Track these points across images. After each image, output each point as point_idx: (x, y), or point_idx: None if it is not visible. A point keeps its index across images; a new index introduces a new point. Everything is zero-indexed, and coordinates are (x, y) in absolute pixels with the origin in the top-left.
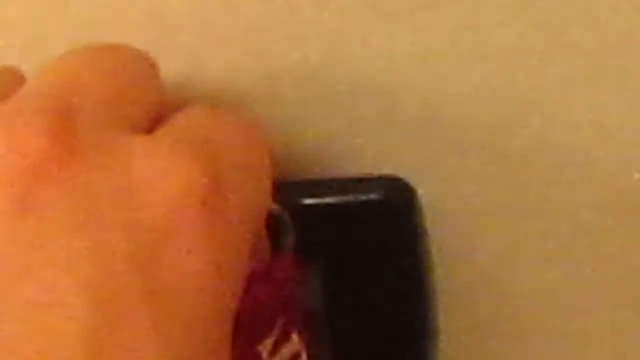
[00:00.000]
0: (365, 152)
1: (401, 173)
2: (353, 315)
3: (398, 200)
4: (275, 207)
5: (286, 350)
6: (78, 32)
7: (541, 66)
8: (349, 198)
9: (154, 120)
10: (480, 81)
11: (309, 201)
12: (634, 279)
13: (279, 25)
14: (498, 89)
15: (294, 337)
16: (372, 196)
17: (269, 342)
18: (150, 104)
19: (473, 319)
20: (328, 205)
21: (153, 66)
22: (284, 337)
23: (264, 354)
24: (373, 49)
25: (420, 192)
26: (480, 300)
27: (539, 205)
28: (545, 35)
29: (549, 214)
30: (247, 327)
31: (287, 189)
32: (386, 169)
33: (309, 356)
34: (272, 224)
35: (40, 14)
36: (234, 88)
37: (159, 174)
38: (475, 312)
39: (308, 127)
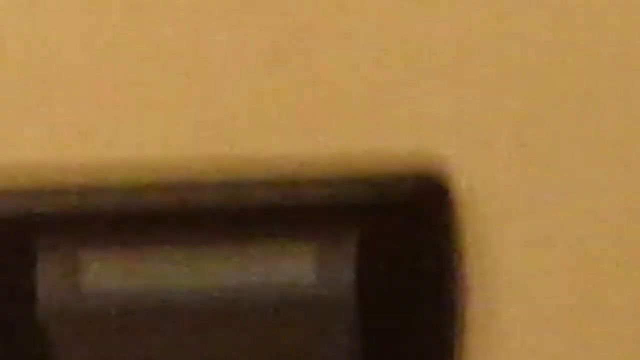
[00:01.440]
0: (399, 150)
1: (436, 171)
2: (383, 307)
3: (431, 198)
4: None
5: None
6: None
7: None
8: (384, 195)
9: None
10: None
11: (342, 198)
12: None
13: None
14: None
15: None
16: (406, 192)
17: None
18: None
19: (504, 313)
20: (361, 202)
21: None
22: None
23: None
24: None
25: (452, 190)
26: (507, 292)
27: (569, 197)
28: None
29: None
30: None
31: (321, 185)
32: (420, 168)
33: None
34: None
35: None
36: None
37: None
38: (503, 304)
39: (343, 126)
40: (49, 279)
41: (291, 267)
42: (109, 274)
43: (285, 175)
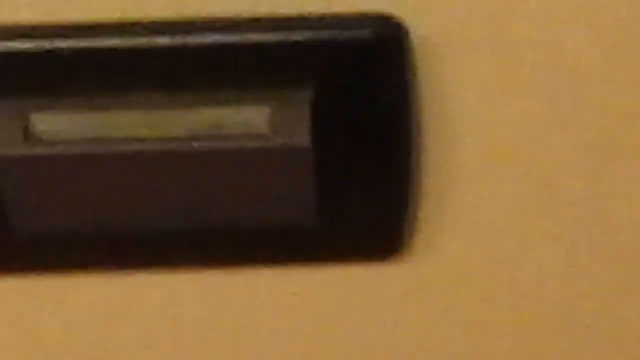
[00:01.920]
0: None
1: (394, 11)
2: (339, 148)
3: (389, 38)
4: None
5: None
6: None
7: None
8: (340, 34)
9: None
10: None
11: (298, 36)
12: None
13: None
14: None
15: None
16: (363, 33)
17: None
18: None
19: (457, 151)
20: (317, 40)
21: None
22: None
23: None
24: None
25: (412, 31)
26: (464, 137)
27: (529, 41)
28: None
29: (537, 48)
30: None
31: (278, 23)
32: (379, 7)
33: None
34: None
35: None
36: None
37: None
38: (459, 146)
39: None
40: None
41: (245, 113)
42: (60, 121)
43: (240, 17)
